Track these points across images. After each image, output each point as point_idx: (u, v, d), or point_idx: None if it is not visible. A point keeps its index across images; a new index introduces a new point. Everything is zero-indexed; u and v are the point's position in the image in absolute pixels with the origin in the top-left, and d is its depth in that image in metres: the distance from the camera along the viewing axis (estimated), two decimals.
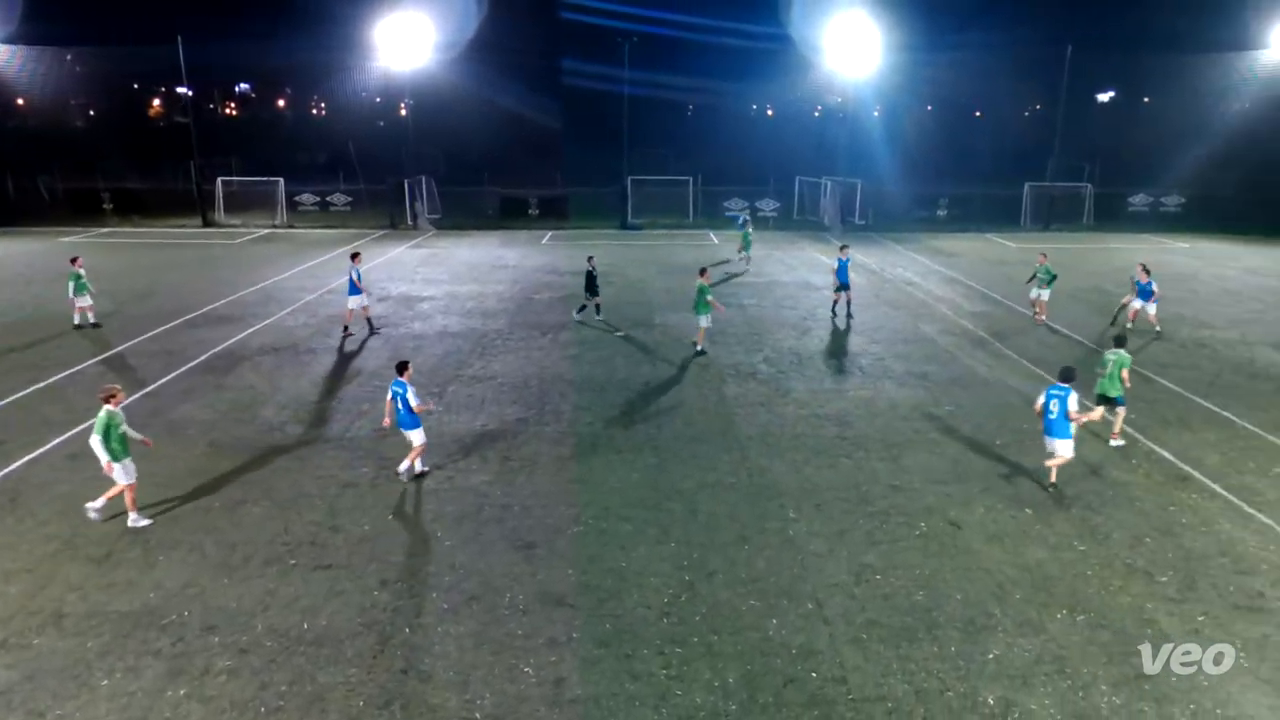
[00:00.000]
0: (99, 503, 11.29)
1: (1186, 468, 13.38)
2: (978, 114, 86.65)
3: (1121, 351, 14.13)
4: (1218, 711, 7.96)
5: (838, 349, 20.06)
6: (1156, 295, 21.11)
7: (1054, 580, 10.17)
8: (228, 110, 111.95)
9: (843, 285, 22.58)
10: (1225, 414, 15.73)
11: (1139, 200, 46.24)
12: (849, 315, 22.84)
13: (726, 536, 11.17)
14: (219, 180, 44.47)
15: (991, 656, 8.76)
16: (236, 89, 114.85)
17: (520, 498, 12.24)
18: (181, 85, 52.47)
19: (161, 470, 12.77)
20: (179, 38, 40.89)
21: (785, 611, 9.51)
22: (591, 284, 22.25)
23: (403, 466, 12.73)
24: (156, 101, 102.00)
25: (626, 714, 7.96)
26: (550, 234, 40.25)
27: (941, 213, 45.20)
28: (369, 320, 21.37)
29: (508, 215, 44.36)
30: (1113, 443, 14.20)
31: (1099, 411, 13.69)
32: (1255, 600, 9.76)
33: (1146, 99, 74.98)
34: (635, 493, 12.44)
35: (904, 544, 11.01)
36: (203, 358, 18.94)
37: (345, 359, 19.03)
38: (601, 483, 12.76)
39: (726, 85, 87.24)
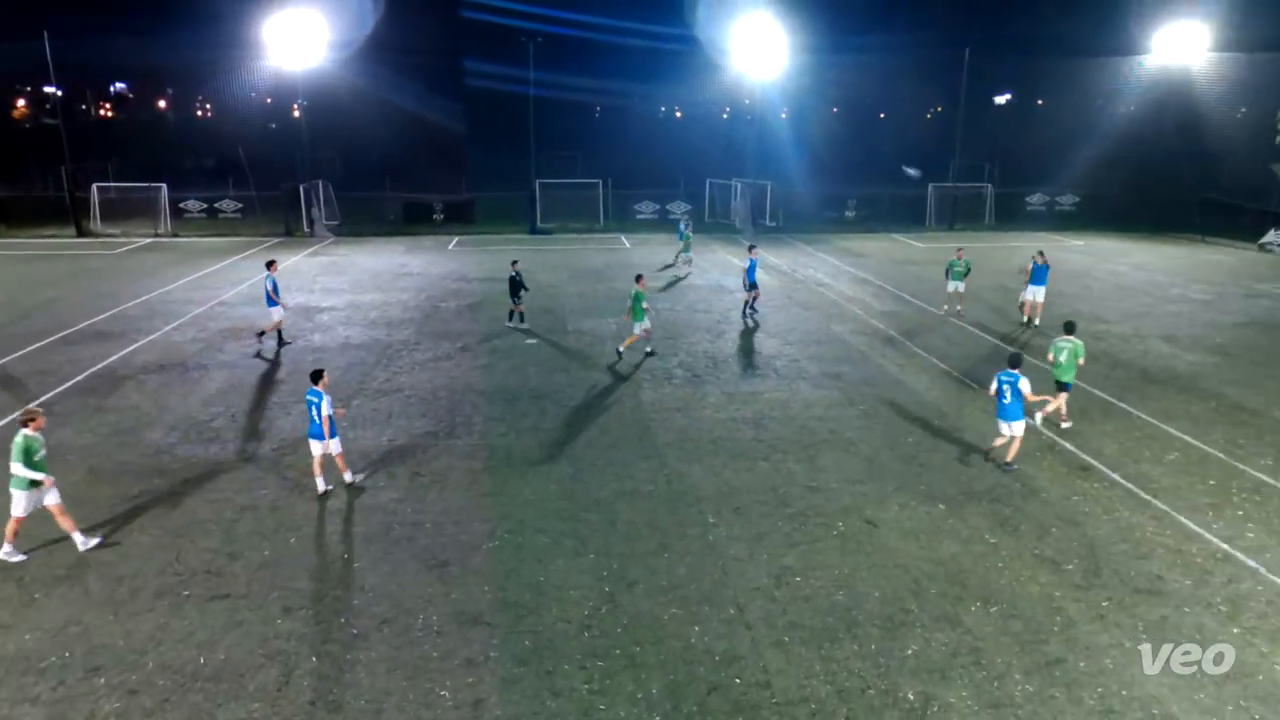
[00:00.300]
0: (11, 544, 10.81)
1: (1087, 458, 14.12)
2: (882, 115, 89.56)
3: (1074, 339, 15.16)
4: (1123, 693, 8.41)
5: (752, 351, 20.41)
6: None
7: (967, 573, 10.58)
8: (102, 111, 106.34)
9: (752, 285, 23.45)
10: (1121, 405, 16.66)
11: (1036, 200, 48.67)
12: (753, 311, 23.63)
13: (646, 545, 11.21)
14: (94, 187, 42.11)
15: (910, 652, 9.04)
16: (112, 88, 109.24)
17: (432, 514, 12.02)
18: (50, 84, 49.65)
19: None
20: (45, 33, 38.67)
21: (707, 618, 9.61)
22: (516, 289, 22.12)
23: (348, 476, 12.73)
24: (21, 102, 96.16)
25: None
26: (457, 239, 39.73)
27: (850, 214, 46.55)
28: (279, 333, 20.69)
29: (411, 221, 43.57)
30: (1063, 424, 15.33)
31: (1061, 399, 15.11)
32: (1154, 583, 10.36)
33: (1040, 101, 78.77)
34: (551, 504, 12.37)
35: (822, 544, 11.27)
36: (80, 378, 17.95)
37: (239, 375, 18.32)
38: (516, 495, 12.65)
39: (634, 86, 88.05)
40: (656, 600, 9.96)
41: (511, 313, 22.54)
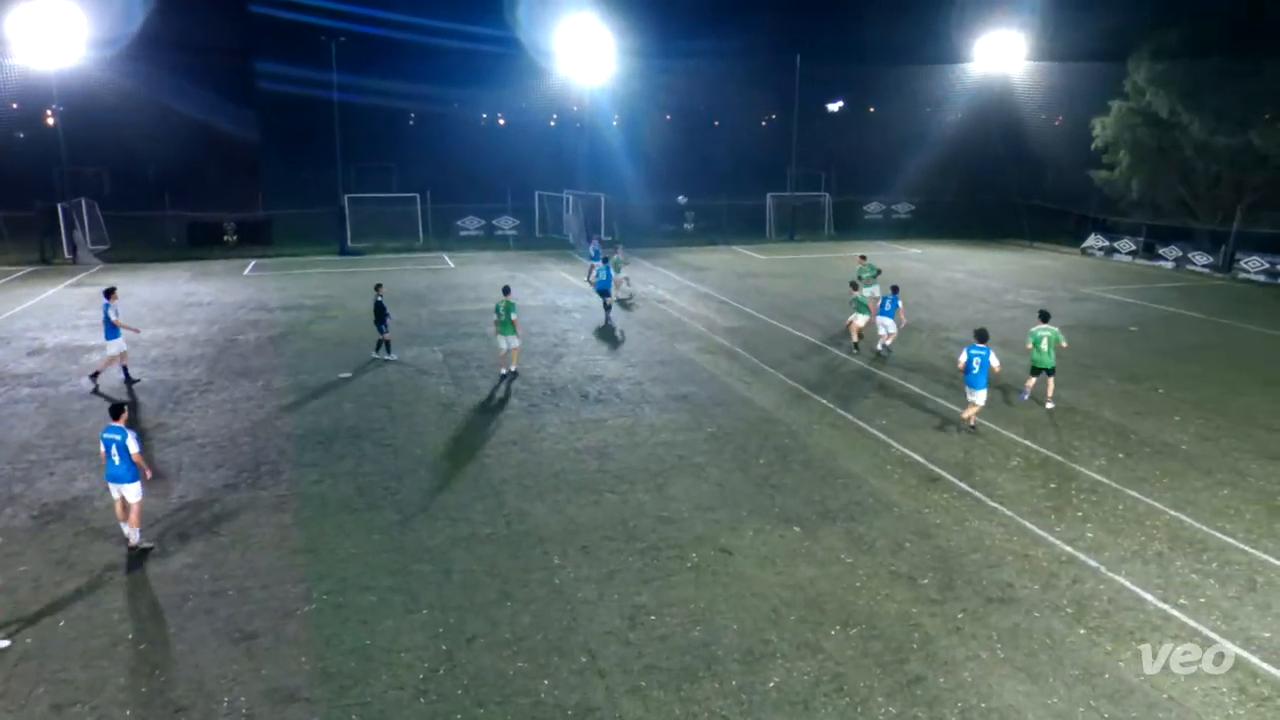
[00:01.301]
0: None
1: (936, 469, 15.07)
2: (716, 123, 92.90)
3: (1050, 326, 17.88)
4: (982, 705, 8.98)
5: (593, 375, 20.53)
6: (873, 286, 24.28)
7: (825, 596, 11.00)
8: None
9: (603, 291, 25.33)
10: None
11: (873, 208, 51.96)
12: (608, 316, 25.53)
13: (486, 595, 11.00)
14: None
15: (772, 685, 9.28)
16: None
17: (235, 579, 11.29)
18: None
19: None
20: None
21: (557, 669, 9.51)
22: (381, 316, 21.51)
23: (132, 536, 11.92)
24: None
25: None
26: (253, 263, 37.89)
27: (689, 225, 47.96)
28: (125, 368, 19.78)
29: (198, 244, 41.27)
30: (1048, 405, 18.06)
31: (1050, 382, 17.94)
32: (1006, 591, 11.15)
33: (872, 109, 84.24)
34: (377, 558, 11.92)
35: (676, 578, 11.42)
36: None
37: None
38: (335, 550, 12.10)
39: (452, 92, 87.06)
40: (500, 654, 9.77)
41: (379, 343, 21.88)
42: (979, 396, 16.35)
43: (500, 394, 19.07)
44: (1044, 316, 18.29)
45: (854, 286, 22.85)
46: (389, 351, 21.85)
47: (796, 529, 12.81)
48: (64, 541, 12.16)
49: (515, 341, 20.18)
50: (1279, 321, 27.37)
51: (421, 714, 8.82)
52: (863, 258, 26.48)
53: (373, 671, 9.48)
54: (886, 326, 22.09)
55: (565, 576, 11.45)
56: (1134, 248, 40.77)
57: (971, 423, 16.75)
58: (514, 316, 19.78)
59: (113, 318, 19.13)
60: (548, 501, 13.68)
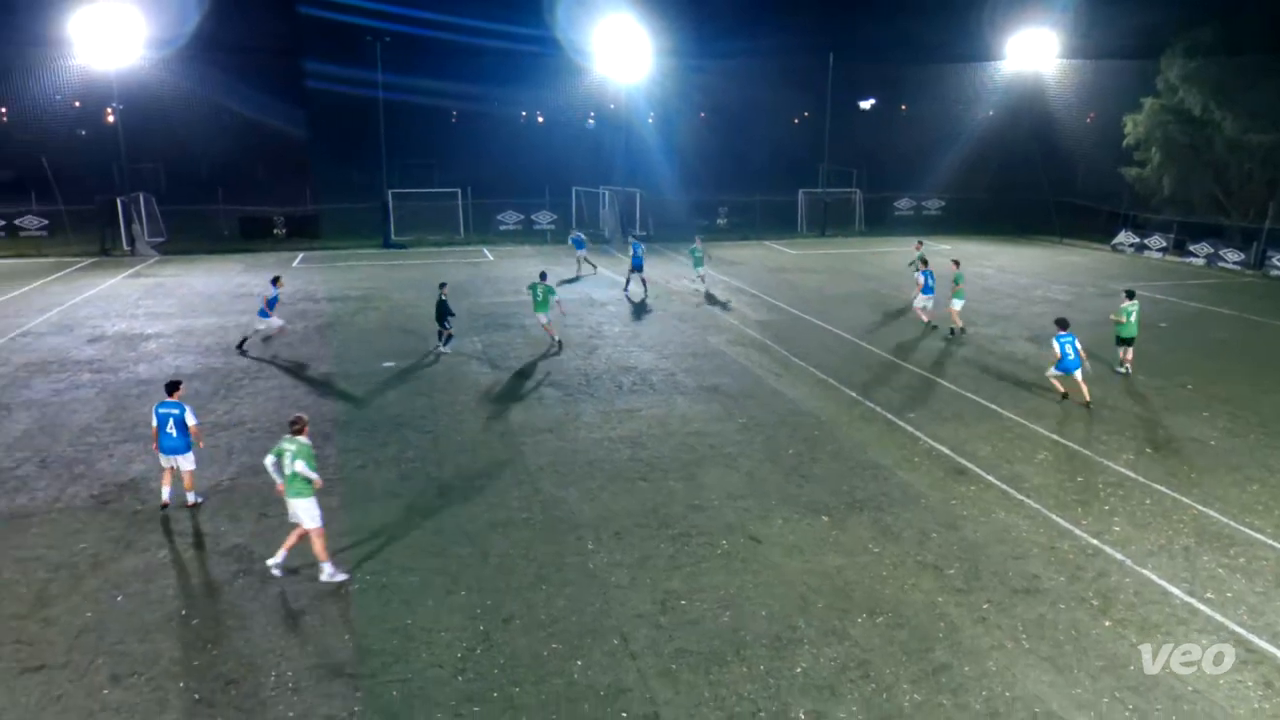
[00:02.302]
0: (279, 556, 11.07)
1: (963, 461, 14.92)
2: (750, 121, 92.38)
3: (1135, 301, 19.63)
4: (1006, 695, 8.90)
5: (627, 366, 20.56)
6: (930, 286, 24.10)
7: (853, 585, 10.96)
8: None
9: (637, 268, 28.56)
10: (993, 406, 17.72)
11: (904, 205, 51.39)
12: (645, 295, 28.14)
13: (522, 578, 11.08)
14: None
15: (800, 670, 9.28)
16: None
17: (284, 558, 11.49)
18: None
19: None
20: None
21: (590, 651, 9.57)
22: (443, 313, 21.70)
23: (189, 497, 12.15)
24: None
25: None
26: (302, 255, 38.37)
27: (722, 221, 47.71)
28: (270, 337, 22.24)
29: (249, 236, 41.82)
30: (1126, 369, 19.86)
31: (1129, 352, 19.84)
32: (1031, 583, 11.03)
33: (904, 106, 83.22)
34: (418, 540, 12.06)
35: (707, 564, 11.43)
36: None
37: (50, 414, 17.01)
38: (379, 532, 12.26)
39: (492, 91, 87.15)
40: (535, 636, 9.85)
41: (441, 334, 21.99)
42: (1076, 375, 17.45)
43: (537, 383, 19.16)
44: (1130, 294, 19.81)
45: (956, 283, 23.67)
46: (447, 344, 21.94)
47: (824, 518, 12.76)
48: (122, 521, 12.43)
49: (544, 319, 21.84)
50: None
51: (459, 692, 8.92)
52: (920, 243, 28.37)
53: (413, 650, 9.60)
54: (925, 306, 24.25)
55: (599, 561, 11.50)
56: (1164, 244, 39.97)
57: (1086, 398, 17.49)
58: (555, 298, 21.94)
59: (268, 299, 21.76)
60: (582, 488, 13.74)
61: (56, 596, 10.56)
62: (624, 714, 8.60)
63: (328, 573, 10.88)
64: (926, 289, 23.99)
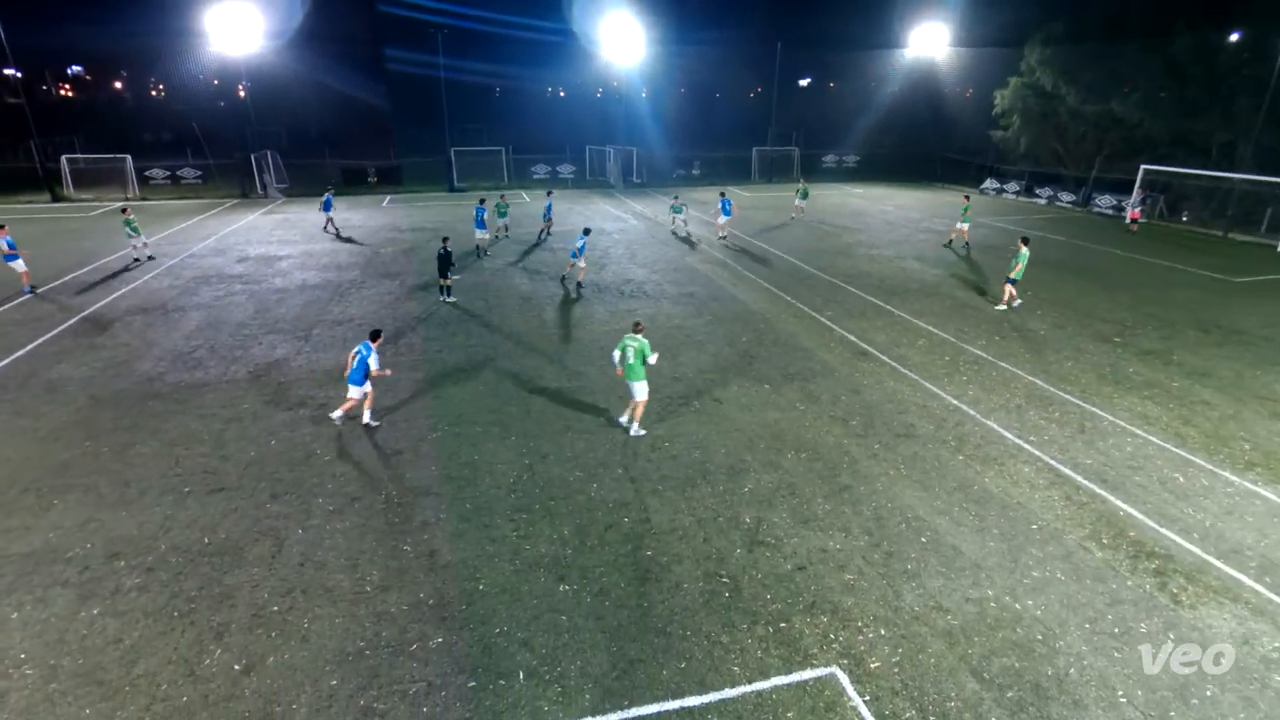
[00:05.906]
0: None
1: (865, 345, 14.98)
2: (717, 95, 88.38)
3: (1025, 249, 17.23)
4: (889, 505, 9.21)
5: (627, 279, 20.34)
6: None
7: (785, 432, 11.18)
8: (62, 91, 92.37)
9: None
10: (888, 307, 17.66)
11: (830, 159, 49.75)
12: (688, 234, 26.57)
13: (555, 427, 11.27)
14: (63, 158, 36.96)
15: (747, 489, 9.56)
16: (69, 71, 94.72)
17: (386, 414, 11.64)
18: (9, 67, 42.62)
19: (44, 426, 10.97)
20: None
21: (602, 478, 9.83)
22: (445, 265, 17.64)
23: (365, 415, 11.20)
24: None
25: (489, 569, 8.00)
26: (388, 198, 37.31)
27: (695, 172, 46.33)
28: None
29: (350, 183, 40.47)
30: (1014, 304, 17.47)
31: (1012, 289, 17.37)
32: (909, 430, 11.26)
33: (832, 84, 79.50)
34: (480, 402, 12.20)
35: (683, 417, 11.62)
36: (72, 321, 16.16)
37: (214, 314, 16.89)
38: (452, 397, 12.39)
39: (525, 71, 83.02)
40: (564, 467, 10.09)
41: (442, 287, 17.91)
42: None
43: (562, 292, 19.01)
44: (1025, 240, 17.54)
45: (963, 221, 23.89)
46: (449, 295, 17.94)
47: (766, 386, 12.90)
48: (271, 388, 12.54)
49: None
50: (1119, 244, 26.39)
51: (512, 504, 9.20)
52: (966, 197, 27.45)
53: (479, 477, 9.84)
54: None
55: (608, 416, 11.67)
56: (1018, 188, 39.04)
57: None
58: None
59: (483, 218, 22.08)
60: (596, 365, 13.80)
61: (229, 440, 10.75)
62: (626, 519, 8.90)
63: (634, 430, 10.86)
64: (725, 211, 24.73)
